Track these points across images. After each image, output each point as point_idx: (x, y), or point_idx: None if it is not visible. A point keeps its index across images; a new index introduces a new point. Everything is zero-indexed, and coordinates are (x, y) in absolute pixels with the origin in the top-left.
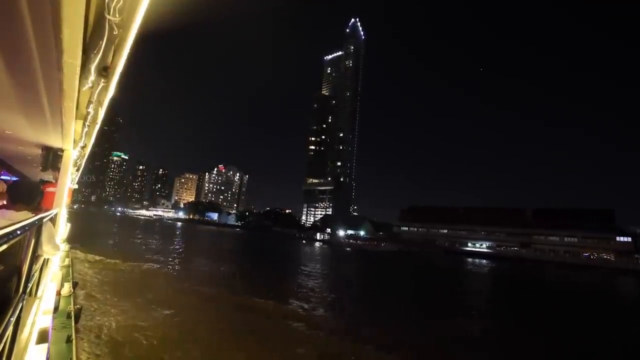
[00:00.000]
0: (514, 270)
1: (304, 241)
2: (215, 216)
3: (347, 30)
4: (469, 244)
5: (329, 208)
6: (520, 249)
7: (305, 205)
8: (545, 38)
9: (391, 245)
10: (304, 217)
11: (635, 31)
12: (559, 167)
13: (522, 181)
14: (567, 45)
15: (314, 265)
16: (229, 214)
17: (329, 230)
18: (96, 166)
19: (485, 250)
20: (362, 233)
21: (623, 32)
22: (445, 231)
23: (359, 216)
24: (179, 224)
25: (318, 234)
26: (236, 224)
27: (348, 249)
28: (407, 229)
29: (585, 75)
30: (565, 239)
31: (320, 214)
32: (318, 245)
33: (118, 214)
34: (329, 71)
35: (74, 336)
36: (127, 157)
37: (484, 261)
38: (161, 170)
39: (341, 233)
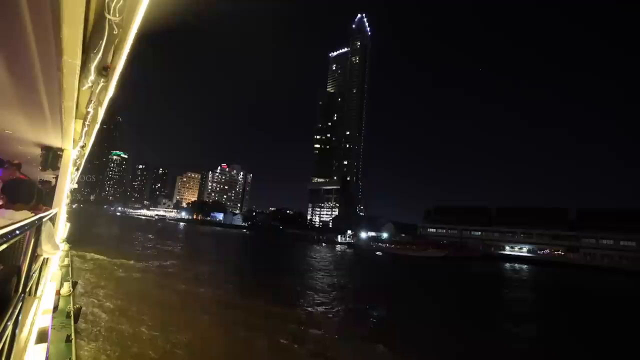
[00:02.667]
0: (562, 277)
1: (323, 244)
2: (220, 216)
3: (354, 26)
4: (507, 248)
5: (335, 208)
6: (567, 254)
7: (310, 205)
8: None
9: (436, 250)
10: (308, 217)
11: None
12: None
13: (516, 182)
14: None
15: (356, 279)
16: (234, 214)
17: (349, 231)
18: (95, 165)
19: (527, 254)
20: (385, 235)
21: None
22: (479, 233)
23: (377, 216)
24: (182, 224)
25: (339, 237)
26: (243, 224)
27: (378, 253)
28: (434, 230)
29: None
30: (621, 242)
31: (327, 214)
32: (341, 249)
33: (118, 213)
34: (334, 68)
35: (73, 336)
36: (126, 156)
37: (525, 267)
38: (161, 169)
39: (363, 235)
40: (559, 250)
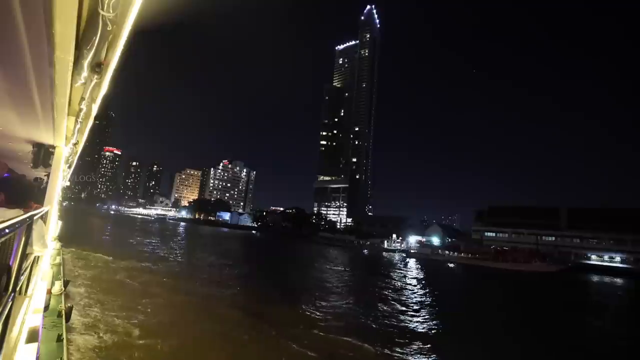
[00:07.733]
0: None
1: (365, 251)
2: (226, 216)
3: (362, 17)
4: (593, 256)
5: (342, 207)
6: None
7: (315, 204)
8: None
9: (542, 264)
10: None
11: None
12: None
13: (510, 181)
14: None
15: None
16: (240, 213)
17: (394, 235)
18: (87, 162)
19: (623, 265)
20: (434, 240)
21: None
22: (552, 239)
23: (404, 217)
24: (183, 224)
25: (385, 242)
26: (251, 225)
27: (451, 265)
28: (493, 234)
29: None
30: None
31: (334, 214)
32: (390, 257)
33: (112, 212)
34: (341, 62)
35: (64, 335)
36: (119, 153)
37: (619, 280)
38: (155, 166)
39: (411, 239)
40: None
